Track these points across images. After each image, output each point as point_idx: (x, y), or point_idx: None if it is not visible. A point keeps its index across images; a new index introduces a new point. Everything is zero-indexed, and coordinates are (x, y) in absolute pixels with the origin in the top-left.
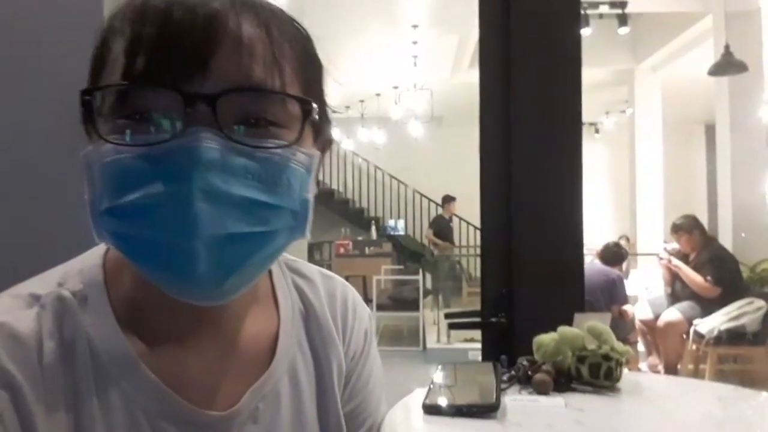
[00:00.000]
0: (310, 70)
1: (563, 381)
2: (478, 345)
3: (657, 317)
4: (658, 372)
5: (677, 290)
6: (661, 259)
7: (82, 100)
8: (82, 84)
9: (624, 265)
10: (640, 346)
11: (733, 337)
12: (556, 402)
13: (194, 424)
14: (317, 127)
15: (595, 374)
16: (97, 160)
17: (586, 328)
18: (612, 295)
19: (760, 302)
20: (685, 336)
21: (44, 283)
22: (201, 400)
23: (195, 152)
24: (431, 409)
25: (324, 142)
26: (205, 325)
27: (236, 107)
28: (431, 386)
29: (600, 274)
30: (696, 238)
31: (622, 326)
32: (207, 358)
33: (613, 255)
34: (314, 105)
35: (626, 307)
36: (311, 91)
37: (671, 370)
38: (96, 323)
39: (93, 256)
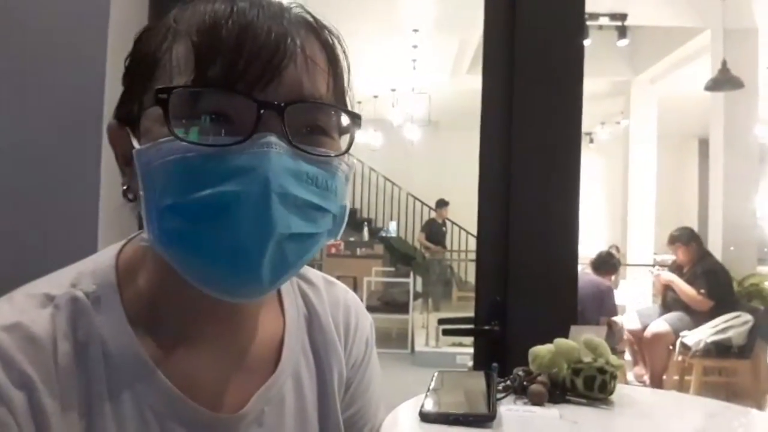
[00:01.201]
0: (347, 87)
1: (558, 393)
2: (467, 349)
3: (645, 327)
4: (643, 382)
5: (669, 301)
6: (653, 273)
7: (157, 99)
8: (88, 86)
9: (613, 276)
10: (627, 356)
11: (719, 349)
12: (551, 413)
13: (202, 426)
14: (351, 139)
15: (589, 387)
16: (164, 157)
17: (582, 341)
18: (601, 306)
19: (747, 316)
20: (671, 347)
21: (57, 283)
22: (209, 402)
23: (271, 156)
24: (427, 418)
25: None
26: (219, 327)
27: (298, 117)
28: (427, 394)
29: (590, 285)
30: (693, 251)
31: (611, 336)
32: (217, 360)
33: (605, 264)
34: (360, 119)
35: (615, 319)
36: (347, 105)
37: (657, 380)
38: (109, 324)
39: (105, 257)
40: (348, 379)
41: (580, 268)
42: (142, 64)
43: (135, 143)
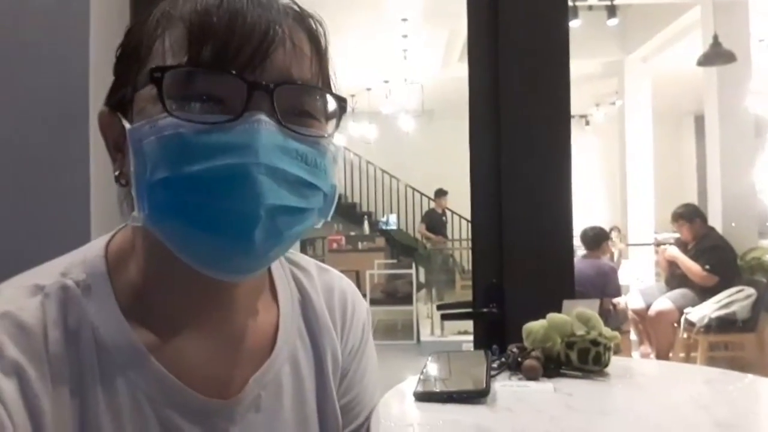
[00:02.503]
0: (331, 74)
1: (552, 367)
2: (472, 337)
3: (648, 306)
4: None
5: (673, 278)
6: (662, 248)
7: (152, 78)
8: (77, 78)
9: (615, 255)
10: (633, 336)
11: (723, 324)
12: (545, 387)
13: (197, 411)
14: (338, 122)
15: (583, 359)
16: (157, 133)
17: (575, 314)
18: (604, 288)
19: (750, 290)
20: (676, 324)
21: (47, 273)
22: (204, 388)
23: (261, 132)
24: (423, 396)
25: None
26: (212, 312)
27: (287, 98)
28: (422, 374)
29: (591, 267)
30: (697, 227)
31: (614, 317)
32: (211, 346)
33: (595, 238)
34: (346, 102)
35: (617, 300)
36: (334, 90)
37: (663, 358)
38: (100, 312)
39: (95, 248)
40: (345, 365)
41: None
42: (135, 51)
43: (127, 124)
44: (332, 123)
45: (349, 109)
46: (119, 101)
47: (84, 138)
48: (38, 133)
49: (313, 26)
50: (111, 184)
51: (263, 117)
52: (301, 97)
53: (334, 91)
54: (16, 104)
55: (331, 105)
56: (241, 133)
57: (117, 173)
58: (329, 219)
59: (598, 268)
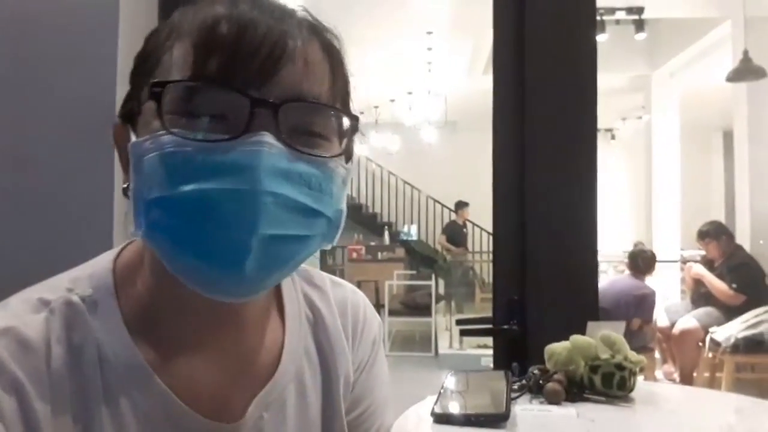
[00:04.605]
0: (348, 88)
1: (575, 391)
2: (491, 351)
3: (673, 324)
4: (673, 380)
5: (699, 296)
6: (687, 265)
7: (151, 92)
8: (91, 88)
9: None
10: (657, 354)
11: (750, 345)
12: (567, 412)
13: None
14: (349, 142)
15: (608, 384)
16: (155, 150)
17: (599, 337)
18: (638, 308)
19: None
20: (701, 344)
21: (53, 287)
22: (208, 409)
23: (262, 154)
24: (441, 418)
25: (348, 156)
26: (218, 331)
27: (294, 117)
28: (441, 393)
29: (630, 286)
30: (723, 245)
31: (642, 336)
32: (216, 366)
33: (645, 262)
34: (358, 121)
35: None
36: (348, 107)
37: (686, 378)
38: (105, 329)
39: (103, 261)
40: (354, 379)
41: (602, 267)
42: (145, 63)
43: (133, 137)
44: (344, 142)
45: (372, 120)
46: (129, 113)
47: (109, 144)
48: (63, 137)
49: (329, 40)
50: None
51: (266, 137)
52: (310, 115)
53: (351, 107)
54: (41, 108)
55: (345, 124)
56: (241, 154)
57: (125, 186)
58: (335, 243)
59: (637, 287)
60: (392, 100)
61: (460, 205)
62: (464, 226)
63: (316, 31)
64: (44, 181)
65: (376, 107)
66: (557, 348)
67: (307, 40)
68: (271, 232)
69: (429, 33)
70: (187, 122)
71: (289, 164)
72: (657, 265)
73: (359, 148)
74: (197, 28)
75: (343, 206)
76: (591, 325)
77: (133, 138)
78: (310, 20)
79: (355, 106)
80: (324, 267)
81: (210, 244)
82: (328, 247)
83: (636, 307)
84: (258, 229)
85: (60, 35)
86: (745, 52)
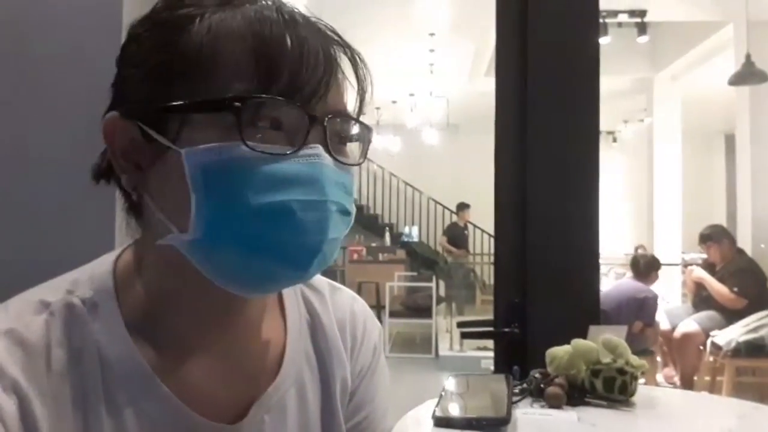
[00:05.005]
0: (365, 102)
1: (576, 395)
2: (492, 353)
3: (674, 328)
4: (673, 383)
5: (700, 300)
6: (689, 268)
7: (231, 106)
8: (92, 87)
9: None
10: (658, 357)
11: (751, 349)
12: (568, 416)
13: None
14: (366, 148)
15: (609, 388)
16: (225, 161)
17: (601, 341)
18: (639, 311)
19: None
20: (702, 347)
21: (54, 289)
22: (209, 411)
23: (324, 167)
24: (441, 422)
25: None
26: (218, 333)
27: (333, 129)
28: (441, 397)
29: (632, 289)
30: (725, 248)
31: (644, 339)
32: (217, 367)
33: (646, 266)
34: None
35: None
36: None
37: (687, 381)
38: (105, 331)
39: (104, 263)
40: (354, 386)
41: (604, 269)
42: (169, 61)
43: (164, 141)
44: (360, 149)
45: (373, 121)
46: (145, 112)
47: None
48: (63, 137)
49: (354, 55)
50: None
51: (321, 150)
52: (344, 126)
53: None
54: (41, 108)
55: (363, 132)
56: (309, 167)
57: (132, 187)
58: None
59: (638, 290)
60: (394, 102)
61: (462, 207)
62: (465, 228)
63: (345, 46)
64: (44, 181)
65: (378, 108)
66: (558, 352)
67: (340, 55)
68: (332, 236)
69: (431, 35)
70: (253, 134)
71: (339, 174)
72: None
73: None
74: (250, 34)
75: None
76: (593, 329)
77: (163, 140)
78: (337, 37)
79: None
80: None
81: (285, 249)
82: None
83: (638, 310)
84: (328, 234)
85: (62, 34)
86: (748, 56)
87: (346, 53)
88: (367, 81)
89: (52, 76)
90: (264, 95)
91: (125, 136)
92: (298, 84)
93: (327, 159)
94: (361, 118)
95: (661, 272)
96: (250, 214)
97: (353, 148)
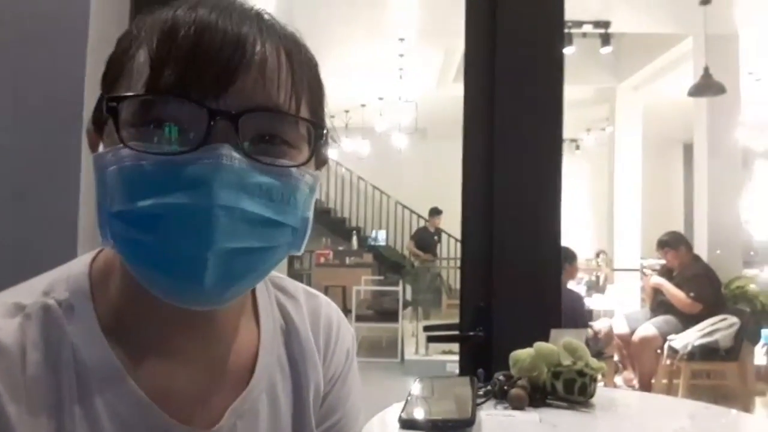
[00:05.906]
0: (318, 94)
1: (538, 396)
2: (457, 357)
3: (633, 332)
4: (632, 386)
5: (657, 305)
6: (644, 275)
7: (107, 107)
8: (67, 87)
9: (601, 279)
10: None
11: (706, 352)
12: (530, 417)
13: None
14: (319, 149)
15: (569, 390)
16: (114, 164)
17: (562, 344)
18: (575, 320)
19: (733, 319)
20: (659, 351)
21: (29, 291)
22: (182, 414)
23: (220, 168)
24: (407, 424)
25: (320, 162)
26: (192, 337)
27: (254, 126)
28: (408, 400)
29: (564, 297)
30: (682, 254)
31: (596, 342)
32: (190, 371)
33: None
34: (324, 128)
35: (599, 323)
36: (318, 114)
37: (645, 384)
38: (81, 333)
39: (79, 265)
40: (326, 390)
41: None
42: (110, 70)
43: (101, 148)
44: (311, 149)
45: (342, 124)
46: (98, 120)
47: (76, 146)
48: (29, 138)
49: (292, 43)
50: None
51: (224, 149)
52: (272, 123)
53: (324, 113)
54: (8, 108)
55: (309, 130)
56: (197, 168)
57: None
58: (302, 251)
59: (566, 299)
60: (363, 105)
61: (433, 213)
62: (435, 233)
63: (279, 34)
64: (8, 184)
65: (347, 111)
66: (521, 354)
67: (267, 43)
68: (230, 246)
69: (401, 40)
70: (145, 135)
71: (249, 176)
72: (617, 273)
73: (329, 153)
74: (155, 35)
75: (310, 214)
76: (554, 333)
77: (101, 147)
78: (273, 24)
79: (326, 110)
80: (291, 272)
81: (169, 257)
82: (296, 253)
83: (571, 318)
84: (213, 243)
85: (29, 33)
86: (706, 69)
87: (283, 43)
88: (306, 72)
89: (15, 74)
90: (142, 92)
91: (96, 147)
92: (190, 78)
93: (231, 158)
94: (329, 121)
95: (620, 277)
96: (131, 219)
97: (302, 148)
